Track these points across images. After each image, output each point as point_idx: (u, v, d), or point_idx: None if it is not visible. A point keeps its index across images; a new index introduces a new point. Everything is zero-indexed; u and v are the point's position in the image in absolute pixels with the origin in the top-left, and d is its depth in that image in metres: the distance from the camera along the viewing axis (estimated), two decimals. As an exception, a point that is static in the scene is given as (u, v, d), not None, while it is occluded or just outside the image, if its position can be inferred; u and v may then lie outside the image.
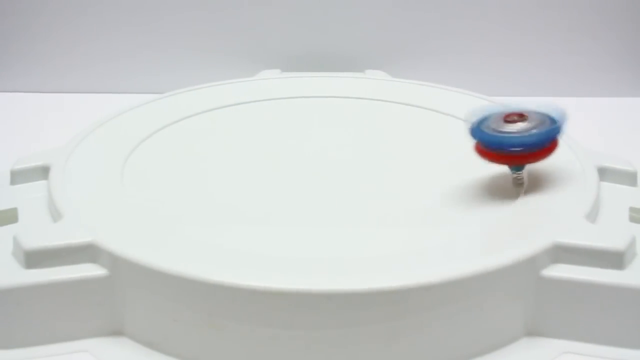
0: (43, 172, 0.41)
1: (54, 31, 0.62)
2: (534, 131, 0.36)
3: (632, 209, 0.39)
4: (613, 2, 0.61)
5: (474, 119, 0.37)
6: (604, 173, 0.42)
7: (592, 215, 0.37)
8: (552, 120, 0.37)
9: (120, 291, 0.34)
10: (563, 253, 0.34)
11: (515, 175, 0.38)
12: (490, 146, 0.37)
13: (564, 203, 0.38)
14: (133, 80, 0.63)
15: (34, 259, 0.33)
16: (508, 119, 0.37)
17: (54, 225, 0.36)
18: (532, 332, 0.34)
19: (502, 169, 0.40)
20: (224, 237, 0.36)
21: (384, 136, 0.47)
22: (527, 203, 0.38)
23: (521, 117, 0.36)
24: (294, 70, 0.58)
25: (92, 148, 0.43)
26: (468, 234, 0.35)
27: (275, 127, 0.48)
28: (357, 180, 0.41)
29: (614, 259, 0.34)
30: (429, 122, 0.49)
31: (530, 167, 0.41)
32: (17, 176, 0.42)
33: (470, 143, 0.38)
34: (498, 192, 0.40)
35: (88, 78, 0.63)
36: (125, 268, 0.33)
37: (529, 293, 0.34)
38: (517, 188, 0.38)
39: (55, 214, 0.37)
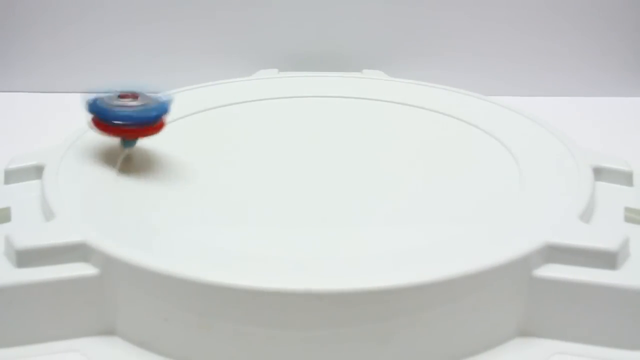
0: (37, 171, 0.41)
1: (51, 31, 0.63)
2: (139, 108, 0.39)
3: (627, 209, 0.39)
4: (611, 2, 0.61)
5: (93, 96, 0.40)
6: (600, 173, 0.42)
7: (587, 215, 0.37)
8: (160, 101, 0.40)
9: (111, 290, 0.33)
10: (556, 253, 0.34)
11: (125, 149, 0.41)
12: (104, 118, 0.40)
13: (558, 203, 0.38)
14: (129, 79, 0.63)
15: (25, 258, 0.33)
16: (122, 97, 0.40)
17: (46, 225, 0.36)
18: (525, 332, 0.34)
19: (498, 171, 0.40)
20: (216, 237, 0.36)
21: (381, 136, 0.47)
22: (521, 202, 0.38)
23: (134, 97, 0.40)
24: (291, 70, 0.58)
25: (86, 147, 0.43)
26: (461, 234, 0.35)
27: (272, 127, 0.48)
28: (352, 180, 0.41)
29: (607, 259, 0.34)
30: (426, 121, 0.49)
31: (525, 166, 0.41)
32: (11, 175, 0.42)
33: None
34: (491, 192, 0.40)
35: (84, 78, 0.63)
36: (117, 267, 0.33)
37: (521, 293, 0.34)
38: (122, 164, 0.41)
39: (48, 214, 0.37)
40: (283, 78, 0.56)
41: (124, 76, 0.63)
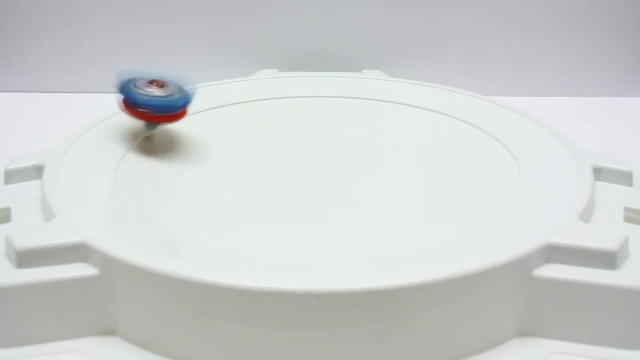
0: (37, 171, 0.41)
1: (51, 31, 0.63)
2: (168, 98, 0.42)
3: (627, 209, 0.39)
4: (610, 2, 0.61)
5: (125, 78, 0.43)
6: (599, 173, 0.42)
7: (586, 215, 0.37)
8: (185, 92, 0.43)
9: (111, 291, 0.34)
10: (555, 253, 0.34)
11: (147, 131, 0.44)
12: (133, 103, 0.42)
13: (558, 203, 0.38)
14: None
15: (25, 258, 0.33)
16: (151, 83, 0.42)
17: (45, 225, 0.36)
18: (524, 332, 0.34)
19: (498, 171, 0.40)
20: (216, 237, 0.36)
21: (380, 136, 0.47)
22: (521, 202, 0.38)
23: (161, 85, 0.42)
24: (291, 70, 0.58)
25: (86, 147, 0.43)
26: (461, 234, 0.35)
27: (272, 127, 0.48)
28: (351, 180, 0.41)
29: (606, 259, 0.34)
30: (426, 122, 0.49)
31: (525, 166, 0.41)
32: (11, 176, 0.42)
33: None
34: (491, 192, 0.40)
35: (84, 78, 0.63)
36: (117, 268, 0.33)
37: (521, 293, 0.34)
38: (145, 143, 0.44)
39: (48, 214, 0.37)
40: (283, 78, 0.56)
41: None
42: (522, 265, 0.33)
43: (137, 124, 0.45)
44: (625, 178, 0.42)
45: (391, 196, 0.40)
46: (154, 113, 0.42)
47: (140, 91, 0.42)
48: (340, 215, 0.38)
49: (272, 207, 0.39)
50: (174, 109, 0.42)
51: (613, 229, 0.37)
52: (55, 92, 0.63)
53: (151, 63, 0.62)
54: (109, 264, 0.33)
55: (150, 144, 0.44)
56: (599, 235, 0.34)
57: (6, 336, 0.33)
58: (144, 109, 0.42)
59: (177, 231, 0.36)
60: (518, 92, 0.61)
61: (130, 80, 0.42)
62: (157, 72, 0.43)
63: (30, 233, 0.35)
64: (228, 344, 0.32)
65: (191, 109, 0.49)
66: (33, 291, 0.33)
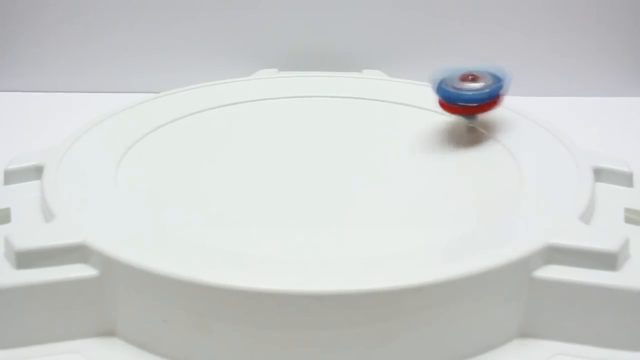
0: (37, 172, 0.41)
1: (51, 31, 0.63)
2: (486, 90, 0.44)
3: (627, 210, 0.39)
4: (609, 2, 0.61)
5: (437, 79, 0.45)
6: (600, 174, 0.42)
7: (587, 216, 0.37)
8: (498, 79, 0.44)
9: (111, 292, 0.33)
10: (556, 254, 0.34)
11: (469, 123, 0.46)
12: (451, 101, 0.44)
13: (558, 203, 0.37)
14: (129, 79, 0.63)
15: (25, 259, 0.33)
16: (464, 79, 0.44)
17: (45, 226, 0.36)
18: (525, 333, 0.34)
19: (498, 172, 0.40)
20: (215, 238, 0.36)
21: (380, 136, 0.47)
22: (521, 203, 0.38)
23: (474, 77, 0.44)
24: (291, 70, 0.58)
25: (86, 148, 0.43)
26: (461, 235, 0.35)
27: (272, 127, 0.48)
28: (351, 181, 0.41)
29: (607, 260, 0.34)
30: (426, 122, 0.48)
31: (525, 167, 0.41)
32: (11, 176, 0.42)
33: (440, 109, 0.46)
34: (492, 192, 0.40)
35: (83, 78, 0.63)
36: (116, 268, 0.33)
37: (521, 294, 0.34)
38: (470, 135, 0.46)
39: (48, 214, 0.37)
40: (283, 78, 0.56)
41: (120, 76, 0.63)
42: (523, 266, 0.33)
43: (139, 124, 0.46)
44: (625, 179, 0.42)
45: (391, 197, 0.40)
46: (477, 105, 0.44)
47: (455, 89, 0.44)
48: (340, 216, 0.38)
49: (272, 207, 0.39)
50: (492, 99, 0.44)
51: (613, 230, 0.37)
52: (55, 92, 0.63)
53: (152, 63, 0.63)
54: (109, 265, 0.33)
55: (474, 134, 0.46)
56: (600, 236, 0.34)
57: (6, 337, 0.34)
58: (464, 105, 0.44)
59: (177, 232, 0.36)
60: (518, 93, 0.61)
61: (442, 80, 0.44)
62: (468, 67, 0.45)
63: (30, 234, 0.35)
64: (227, 345, 0.32)
65: (190, 109, 0.49)
66: (33, 292, 0.33)
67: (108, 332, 0.34)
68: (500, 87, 0.44)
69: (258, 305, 0.31)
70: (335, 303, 0.31)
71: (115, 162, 0.42)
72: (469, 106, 0.44)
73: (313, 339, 0.32)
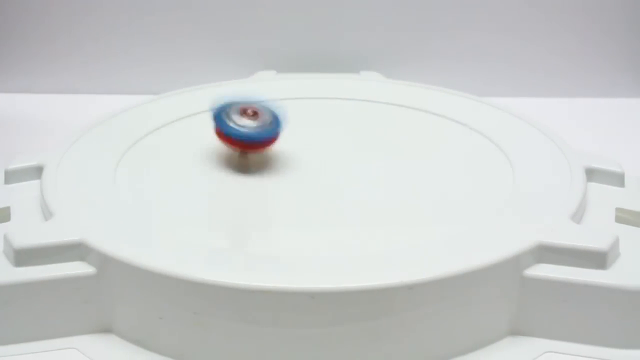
0: (37, 171, 0.42)
1: (51, 33, 0.63)
2: (259, 131, 0.42)
3: (618, 210, 0.40)
4: (605, 3, 0.61)
5: (219, 106, 0.43)
6: (592, 174, 0.42)
7: (578, 215, 0.38)
8: (276, 121, 0.43)
9: (108, 289, 0.34)
10: (547, 253, 0.34)
11: (241, 159, 0.44)
12: (224, 133, 0.42)
13: (550, 203, 0.38)
14: (128, 81, 0.63)
15: (23, 257, 0.34)
16: (244, 113, 0.42)
17: (44, 224, 0.37)
18: (516, 331, 0.35)
19: (491, 171, 0.41)
20: (211, 237, 0.36)
21: (377, 137, 0.47)
22: (513, 203, 0.38)
23: (254, 113, 0.42)
24: (289, 72, 0.59)
25: (86, 148, 0.44)
26: (453, 234, 0.36)
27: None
28: (346, 181, 0.42)
29: (597, 259, 0.34)
30: (422, 122, 0.49)
31: (518, 166, 0.41)
32: (11, 175, 0.42)
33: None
34: (484, 192, 0.40)
35: (83, 79, 0.63)
36: (113, 266, 0.33)
37: (512, 293, 0.34)
38: (239, 167, 0.43)
39: (47, 213, 0.37)
40: (281, 79, 0.56)
41: (119, 77, 0.63)
42: (514, 265, 0.34)
43: (139, 125, 0.46)
44: (617, 179, 0.42)
45: (385, 196, 0.40)
46: (245, 144, 0.43)
47: (232, 121, 0.42)
48: (333, 215, 0.38)
49: (268, 207, 0.39)
50: (263, 140, 0.43)
51: (604, 229, 0.37)
52: (55, 93, 0.63)
53: (151, 65, 0.63)
54: (106, 263, 0.34)
55: (244, 161, 0.44)
56: (590, 235, 0.35)
57: (4, 333, 0.34)
58: (235, 140, 0.42)
59: (174, 230, 0.36)
60: (513, 94, 0.62)
61: (223, 108, 0.43)
62: (251, 99, 0.43)
63: (28, 232, 0.35)
64: (223, 342, 0.33)
65: (189, 110, 0.49)
66: (31, 289, 0.34)
67: (105, 329, 0.35)
68: (274, 130, 0.43)
69: (252, 303, 0.32)
70: (328, 301, 0.32)
71: (114, 162, 0.42)
72: (240, 142, 0.42)
73: (306, 336, 0.32)
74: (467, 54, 0.62)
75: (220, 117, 0.42)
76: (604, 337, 0.34)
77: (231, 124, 0.42)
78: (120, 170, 0.41)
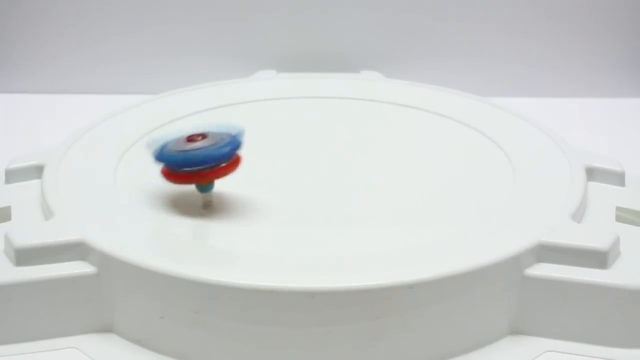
0: (37, 171, 0.42)
1: (51, 33, 0.63)
2: (215, 146, 0.36)
3: (619, 209, 0.40)
4: (606, 3, 0.61)
5: (156, 145, 0.37)
6: (592, 173, 0.42)
7: (578, 214, 0.38)
8: (231, 137, 0.37)
9: (108, 289, 0.34)
10: (547, 252, 0.34)
11: (203, 197, 0.38)
12: (178, 165, 0.36)
13: (550, 202, 0.38)
14: (128, 80, 0.63)
15: (24, 256, 0.34)
16: (190, 139, 0.36)
17: (44, 224, 0.37)
18: (516, 330, 0.35)
19: (492, 171, 0.40)
20: (211, 236, 0.36)
21: (377, 136, 0.47)
22: (514, 202, 0.38)
23: (202, 136, 0.36)
24: (289, 71, 0.59)
25: (86, 148, 0.44)
26: (454, 233, 0.36)
27: (270, 127, 0.48)
28: (347, 180, 0.42)
29: (598, 259, 0.34)
30: (422, 122, 0.49)
31: (518, 166, 0.41)
32: (12, 175, 0.42)
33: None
34: (485, 191, 0.40)
35: (83, 79, 0.64)
36: (114, 266, 0.33)
37: (513, 292, 0.34)
38: (205, 209, 0.38)
39: (47, 213, 0.37)
40: (281, 79, 0.56)
41: (119, 77, 0.63)
42: (515, 265, 0.34)
43: (139, 125, 0.46)
44: (617, 178, 0.42)
45: (385, 196, 0.40)
46: (208, 167, 0.36)
47: (180, 152, 0.36)
48: (335, 215, 0.38)
49: (268, 206, 0.39)
50: (228, 155, 0.36)
51: (604, 228, 0.37)
52: (55, 94, 0.63)
53: (151, 64, 0.63)
54: (107, 262, 0.34)
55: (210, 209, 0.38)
56: (591, 234, 0.35)
57: (5, 333, 0.34)
58: (196, 169, 0.36)
59: (174, 230, 0.36)
60: (513, 93, 0.62)
61: (165, 145, 0.37)
62: (189, 128, 0.37)
63: (29, 231, 0.35)
64: (223, 342, 0.33)
65: (189, 110, 0.49)
66: (31, 289, 0.34)
67: (105, 329, 0.35)
68: (237, 143, 0.37)
69: (252, 302, 0.32)
70: (329, 300, 0.32)
71: (114, 162, 0.42)
72: (202, 169, 0.36)
73: (306, 335, 0.32)
74: (468, 54, 0.62)
75: (165, 154, 0.36)
76: (604, 336, 0.34)
77: (184, 153, 0.36)
78: (121, 170, 0.42)
